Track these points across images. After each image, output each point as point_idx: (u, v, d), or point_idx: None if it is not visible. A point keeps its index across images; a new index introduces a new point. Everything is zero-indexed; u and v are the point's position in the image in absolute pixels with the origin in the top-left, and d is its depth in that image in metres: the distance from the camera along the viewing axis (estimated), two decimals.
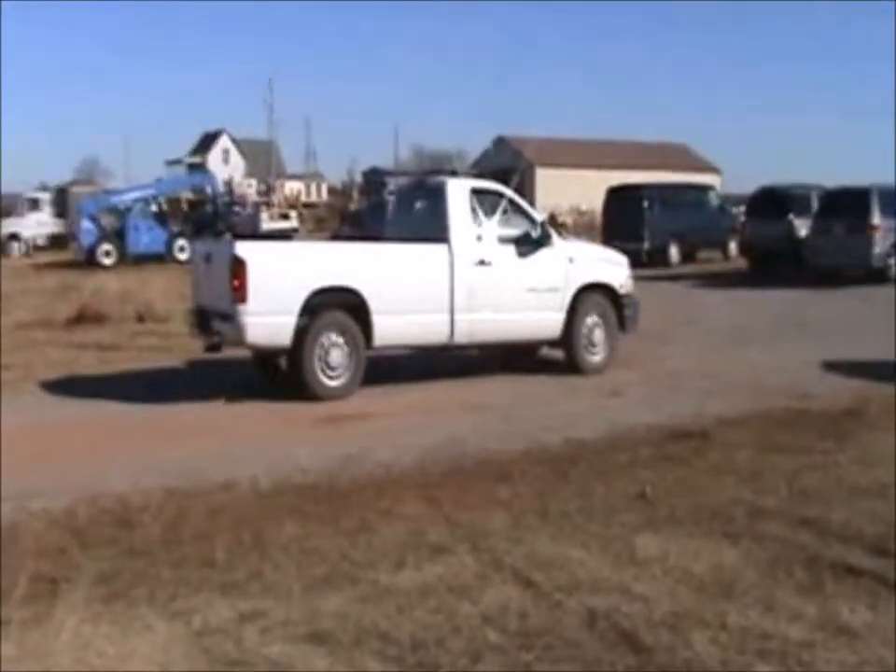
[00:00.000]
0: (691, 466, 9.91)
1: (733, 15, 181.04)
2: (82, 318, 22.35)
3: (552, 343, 16.47)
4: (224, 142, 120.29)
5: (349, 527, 8.12)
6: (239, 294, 13.85)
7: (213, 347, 14.84)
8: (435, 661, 5.75)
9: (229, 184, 58.67)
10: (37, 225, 56.71)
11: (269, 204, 69.13)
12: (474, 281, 15.28)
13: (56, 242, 54.94)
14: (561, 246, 16.33)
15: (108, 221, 45.39)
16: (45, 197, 60.27)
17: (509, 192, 16.58)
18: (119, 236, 44.37)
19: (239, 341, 14.27)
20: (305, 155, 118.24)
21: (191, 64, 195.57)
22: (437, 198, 15.81)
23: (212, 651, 5.96)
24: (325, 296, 14.34)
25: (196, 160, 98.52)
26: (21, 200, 59.91)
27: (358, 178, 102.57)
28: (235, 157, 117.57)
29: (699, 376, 15.38)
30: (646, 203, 38.15)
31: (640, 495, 8.91)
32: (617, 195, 40.32)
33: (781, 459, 10.04)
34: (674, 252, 38.01)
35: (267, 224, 55.79)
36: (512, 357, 16.86)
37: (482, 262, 15.38)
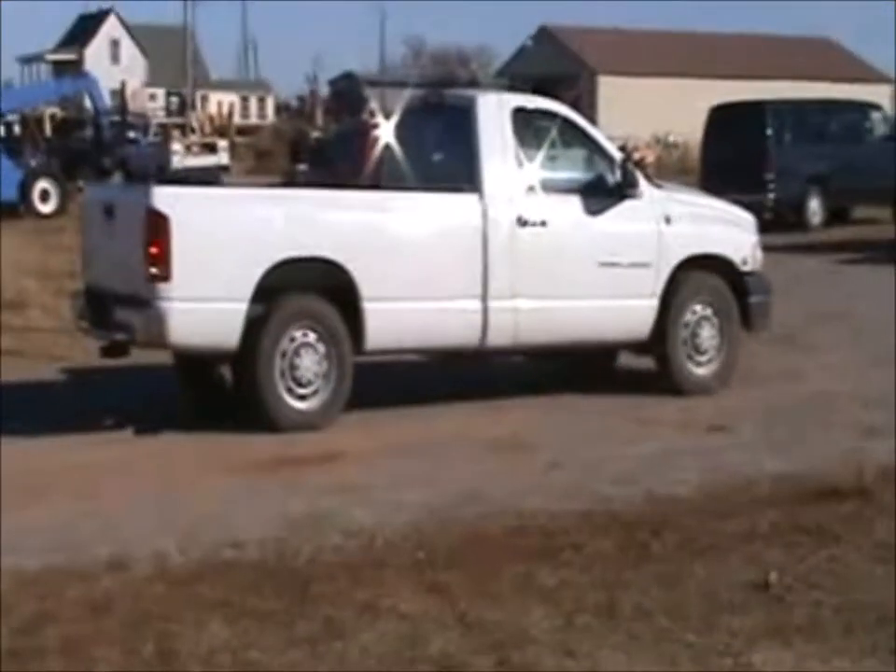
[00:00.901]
0: (841, 542, 9.87)
1: None
2: None
3: (636, 347, 16.28)
4: (112, 28, 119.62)
5: (307, 633, 8.10)
6: (159, 268, 13.58)
7: (114, 349, 14.67)
8: None
9: (120, 94, 58.72)
10: None
11: (184, 128, 69.22)
12: (519, 251, 15.07)
13: None
14: (652, 198, 16.02)
15: None
16: None
17: (572, 115, 16.34)
18: None
19: (158, 338, 13.95)
20: (240, 53, 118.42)
21: None
22: (460, 123, 15.52)
23: None
24: (290, 271, 14.13)
25: (68, 56, 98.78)
26: None
27: (324, 90, 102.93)
28: (130, 52, 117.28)
29: (852, 402, 15.31)
30: (770, 131, 37.96)
31: (763, 585, 8.89)
32: (726, 117, 40.18)
33: None
34: (815, 208, 37.81)
35: (181, 159, 55.83)
36: (576, 368, 16.79)
37: (530, 223, 15.10)
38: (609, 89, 75.20)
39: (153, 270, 13.52)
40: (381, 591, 8.79)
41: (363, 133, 41.06)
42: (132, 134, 54.75)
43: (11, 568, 9.28)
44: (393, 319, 14.40)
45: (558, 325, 15.28)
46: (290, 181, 41.56)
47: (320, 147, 53.79)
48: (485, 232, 14.77)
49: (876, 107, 45.44)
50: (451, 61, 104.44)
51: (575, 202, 15.39)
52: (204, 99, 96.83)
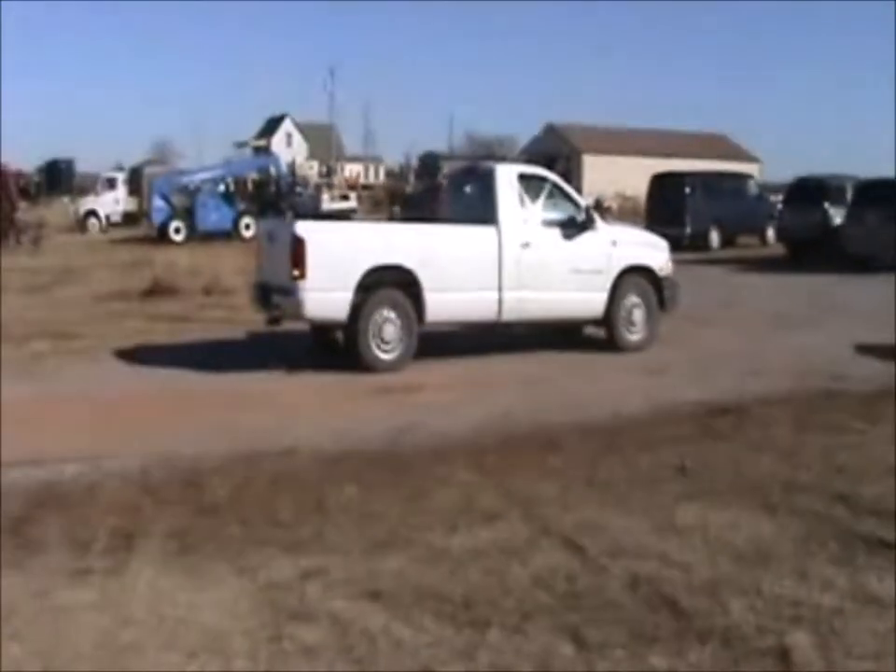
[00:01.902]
0: (730, 441, 9.88)
1: (771, 10, 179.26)
2: (154, 291, 22.43)
3: (595, 322, 16.41)
4: (287, 126, 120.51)
5: (406, 493, 8.18)
6: (299, 270, 13.94)
7: (274, 320, 15.01)
8: (487, 619, 5.79)
9: (292, 166, 58.60)
10: (113, 203, 57.20)
11: (330, 186, 69.11)
12: (521, 262, 15.26)
13: (130, 219, 55.37)
14: (604, 230, 16.32)
15: (179, 200, 45.63)
16: (120, 176, 60.70)
17: (554, 178, 16.57)
18: (188, 214, 44.62)
19: (298, 314, 14.36)
20: (364, 139, 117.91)
21: (257, 51, 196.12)
22: (487, 182, 15.75)
23: (277, 604, 6.03)
24: (379, 274, 14.36)
25: (261, 143, 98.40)
26: (99, 179, 60.45)
27: (415, 162, 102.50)
28: (298, 140, 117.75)
29: (739, 356, 15.27)
30: (688, 190, 37.87)
31: (681, 467, 8.92)
32: (661, 182, 40.10)
33: (817, 437, 9.96)
34: (714, 237, 37.63)
35: (328, 204, 55.77)
36: (558, 335, 16.83)
37: (528, 244, 15.34)
38: (590, 162, 74.93)
39: (295, 272, 13.92)
40: (452, 468, 8.86)
41: (438, 188, 41.14)
42: (298, 190, 54.65)
43: (228, 450, 9.45)
44: (443, 303, 14.68)
45: (546, 308, 15.57)
46: (392, 218, 41.58)
47: (411, 197, 53.79)
48: (501, 249, 15.12)
49: (751, 177, 45.91)
50: (491, 144, 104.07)
51: (556, 232, 15.74)
52: (342, 168, 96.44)
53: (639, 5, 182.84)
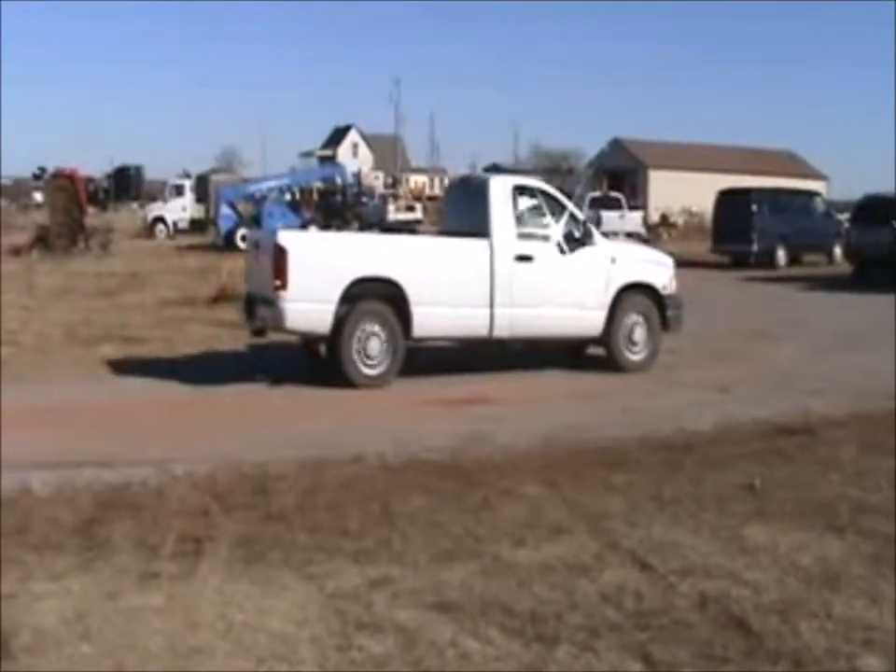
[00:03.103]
0: (797, 461, 9.75)
1: (841, 28, 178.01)
2: (220, 298, 22.54)
3: (594, 341, 15.94)
4: (353, 136, 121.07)
5: (472, 504, 8.15)
6: (280, 281, 13.72)
7: (258, 332, 14.80)
8: (554, 634, 5.75)
9: (357, 175, 58.70)
10: (181, 210, 57.77)
11: (396, 196, 69.29)
12: (514, 276, 14.87)
13: (197, 226, 55.82)
14: (604, 246, 15.88)
15: (245, 208, 45.92)
16: (188, 184, 61.22)
17: (552, 191, 16.20)
18: (255, 222, 44.78)
19: (279, 326, 14.12)
20: (429, 150, 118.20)
21: (324, 62, 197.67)
22: (481, 195, 15.30)
23: (344, 613, 6.03)
24: (364, 286, 14.09)
25: (327, 152, 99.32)
26: (167, 186, 61.04)
27: (480, 173, 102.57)
28: (364, 150, 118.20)
29: (805, 375, 15.06)
30: (755, 207, 37.55)
31: (750, 486, 8.82)
32: (727, 198, 39.79)
33: (884, 459, 9.82)
34: (781, 255, 37.31)
35: (393, 215, 55.99)
36: (560, 353, 16.41)
37: (522, 258, 14.95)
38: (656, 178, 74.46)
39: (277, 282, 13.70)
40: (515, 482, 8.82)
41: None
42: (364, 200, 54.77)
43: (294, 457, 9.46)
44: (431, 317, 14.34)
45: (541, 325, 15.16)
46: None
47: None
48: (493, 263, 14.73)
49: (818, 194, 45.43)
50: (557, 157, 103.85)
51: (552, 246, 15.27)
52: (407, 178, 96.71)
53: (708, 20, 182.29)
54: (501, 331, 14.87)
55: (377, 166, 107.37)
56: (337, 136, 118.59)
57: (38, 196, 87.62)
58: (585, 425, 11.41)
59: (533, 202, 15.50)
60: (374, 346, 14.07)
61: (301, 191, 50.87)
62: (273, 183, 48.52)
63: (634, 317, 15.76)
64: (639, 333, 15.78)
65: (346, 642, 5.62)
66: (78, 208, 42.46)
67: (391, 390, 13.86)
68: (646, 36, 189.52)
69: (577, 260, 15.42)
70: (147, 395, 13.47)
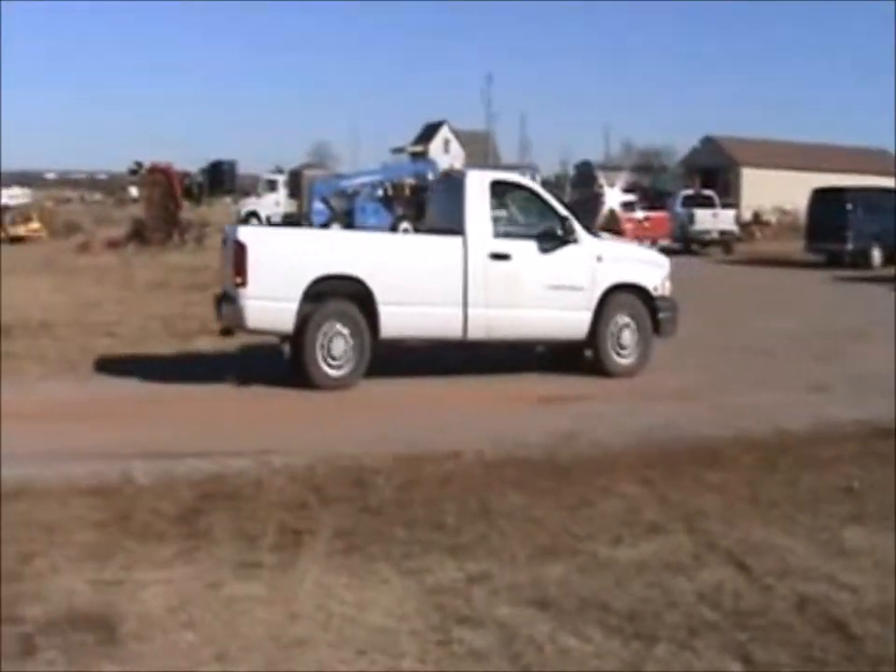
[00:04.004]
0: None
1: None
2: None
3: (581, 344, 15.11)
4: (445, 132, 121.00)
5: (569, 501, 8.15)
6: (240, 277, 13.40)
7: (226, 330, 14.44)
8: (653, 633, 5.74)
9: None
10: (274, 205, 58.32)
11: None
12: (490, 275, 14.30)
13: (290, 221, 56.15)
14: (589, 244, 14.99)
15: (338, 203, 46.17)
16: (281, 179, 61.71)
17: (534, 186, 15.75)
18: (347, 217, 45.08)
19: (240, 324, 13.79)
20: (520, 147, 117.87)
21: (415, 59, 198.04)
22: (458, 190, 14.74)
23: (444, 607, 6.06)
24: (328, 284, 13.69)
25: (419, 148, 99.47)
26: (260, 181, 61.60)
27: (571, 171, 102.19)
28: (455, 147, 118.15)
29: None
30: (849, 206, 37.04)
31: (848, 488, 8.72)
32: (821, 197, 39.23)
33: None
34: (876, 255, 36.75)
35: None
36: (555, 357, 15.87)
37: (499, 257, 14.34)
38: (749, 176, 73.63)
39: (237, 279, 13.38)
40: (611, 479, 8.81)
41: (594, 197, 40.93)
42: None
43: (390, 452, 9.51)
44: (400, 317, 13.86)
45: (520, 326, 14.54)
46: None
47: (567, 206, 53.52)
48: (466, 262, 14.15)
49: None
50: (648, 154, 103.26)
51: (532, 244, 14.62)
52: None
53: (799, 18, 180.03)
54: (477, 333, 14.36)
55: (468, 163, 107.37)
56: (429, 132, 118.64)
57: (134, 191, 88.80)
58: (678, 423, 11.34)
59: (501, 212, 15.03)
60: (339, 347, 13.66)
61: (394, 187, 51.01)
62: (365, 178, 48.76)
63: (622, 320, 15.01)
64: (628, 336, 15.03)
65: (446, 636, 5.66)
66: (174, 202, 43.02)
67: (484, 385, 13.88)
68: (738, 33, 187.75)
69: (559, 259, 14.80)
70: (245, 387, 13.63)
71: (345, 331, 13.68)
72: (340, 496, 8.22)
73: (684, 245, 42.81)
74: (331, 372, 13.63)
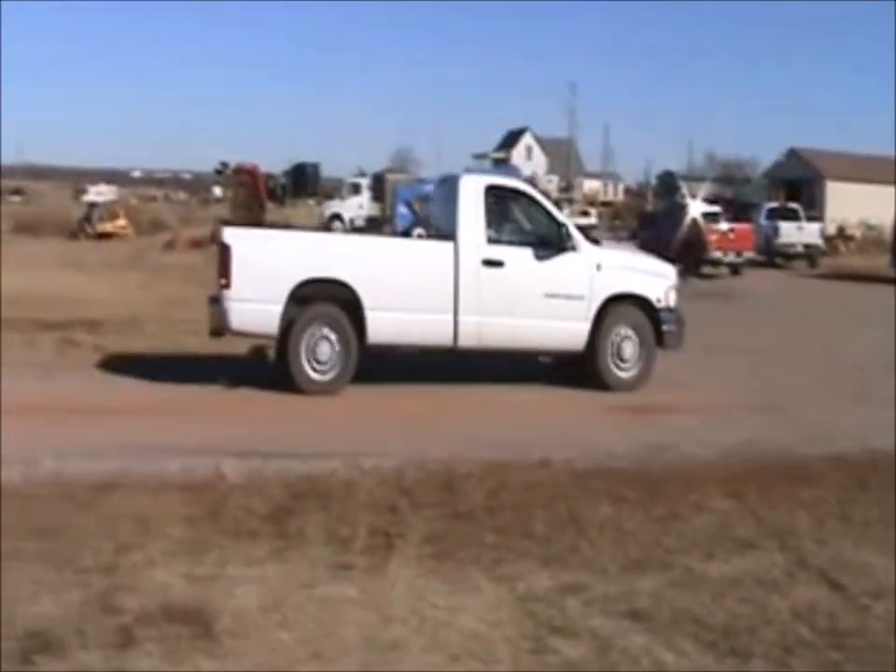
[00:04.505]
0: None
1: None
2: None
3: (578, 355, 14.64)
4: (527, 139, 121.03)
5: (659, 514, 8.10)
6: (225, 279, 13.34)
7: (215, 332, 14.17)
8: (747, 649, 5.69)
9: (532, 179, 58.74)
10: (357, 207, 58.63)
11: (570, 201, 69.10)
12: (483, 282, 13.97)
13: (373, 224, 56.38)
14: (589, 252, 14.57)
15: (421, 207, 46.27)
16: (365, 182, 62.01)
17: (532, 192, 15.35)
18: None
19: (224, 326, 13.65)
20: (603, 155, 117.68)
21: (498, 64, 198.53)
22: (452, 194, 14.46)
23: (537, 616, 6.05)
24: (314, 287, 13.54)
25: (501, 155, 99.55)
26: (344, 184, 61.94)
27: (653, 180, 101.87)
28: (537, 154, 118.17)
29: None
30: None
31: None
32: None
33: None
34: None
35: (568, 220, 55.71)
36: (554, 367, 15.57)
37: (492, 263, 14.01)
38: (834, 189, 72.88)
39: (222, 280, 13.33)
40: (702, 493, 8.70)
41: (678, 208, 40.60)
42: None
43: (479, 458, 9.47)
44: (388, 323, 13.63)
45: (513, 336, 14.16)
46: (633, 236, 41.13)
47: (650, 215, 53.14)
48: (457, 268, 13.85)
49: None
50: (731, 165, 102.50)
51: (528, 251, 14.26)
52: (580, 183, 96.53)
53: (889, 28, 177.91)
54: (468, 341, 14.03)
55: (551, 170, 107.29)
56: (511, 139, 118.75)
57: (217, 190, 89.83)
58: (766, 437, 11.23)
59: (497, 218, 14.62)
60: (325, 351, 13.52)
61: None
62: None
63: (623, 331, 14.58)
64: (629, 349, 14.57)
65: (540, 645, 5.65)
66: (258, 203, 43.36)
67: (572, 396, 13.82)
68: (827, 44, 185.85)
69: (555, 267, 14.41)
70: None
71: (331, 336, 13.57)
72: (429, 500, 8.22)
73: (768, 257, 42.42)
74: (316, 377, 13.54)
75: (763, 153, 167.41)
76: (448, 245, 14.02)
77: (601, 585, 6.52)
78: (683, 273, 34.04)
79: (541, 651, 5.58)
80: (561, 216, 14.97)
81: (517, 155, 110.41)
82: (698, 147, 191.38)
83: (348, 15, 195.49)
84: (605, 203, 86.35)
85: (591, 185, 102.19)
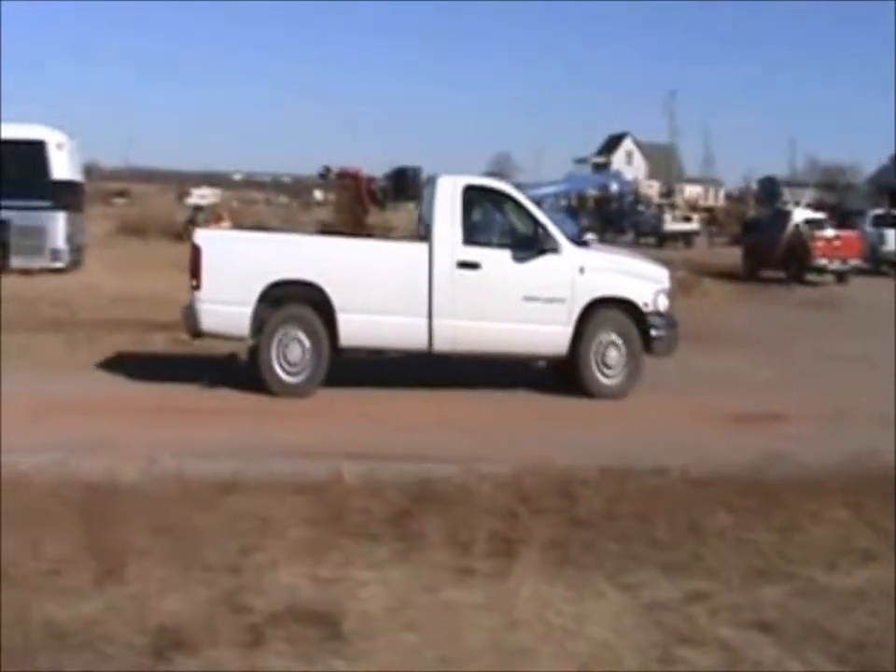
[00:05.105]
0: None
1: None
2: None
3: (560, 360, 14.48)
4: (628, 144, 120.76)
5: (779, 524, 7.98)
6: (196, 281, 13.46)
7: (195, 334, 14.19)
8: (879, 664, 5.61)
9: (633, 184, 58.48)
10: None
11: (672, 206, 68.65)
12: (459, 285, 13.82)
13: None
14: (571, 254, 14.25)
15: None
16: None
17: (514, 192, 14.96)
18: None
19: (195, 327, 13.79)
20: (703, 161, 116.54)
21: (598, 70, 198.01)
22: (431, 195, 14.43)
23: (664, 625, 6.01)
24: (285, 289, 13.60)
25: (601, 160, 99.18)
26: None
27: (754, 186, 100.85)
28: (638, 159, 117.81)
29: None
30: None
31: None
32: None
33: None
34: None
35: (670, 225, 55.46)
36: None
37: (468, 265, 13.85)
38: None
39: (193, 282, 13.46)
40: (820, 503, 8.51)
41: (782, 215, 40.12)
42: (640, 208, 54.53)
43: (595, 465, 9.39)
44: (360, 326, 13.60)
45: (491, 339, 13.94)
46: (735, 242, 40.63)
47: (754, 221, 52.67)
48: (432, 270, 13.71)
49: None
50: (833, 171, 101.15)
51: (506, 253, 14.04)
52: (681, 189, 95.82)
53: None
54: (443, 345, 13.90)
55: (651, 175, 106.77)
56: (611, 144, 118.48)
57: (318, 194, 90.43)
58: (880, 447, 10.96)
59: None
60: (296, 353, 13.56)
61: (578, 198, 50.98)
62: (550, 189, 48.60)
63: (608, 336, 14.25)
64: (614, 355, 14.24)
65: (668, 654, 5.62)
66: (361, 207, 43.56)
67: (679, 403, 13.71)
68: None
69: (535, 269, 14.14)
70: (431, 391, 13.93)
71: (302, 337, 13.61)
72: (548, 506, 8.19)
73: (874, 265, 41.73)
74: (287, 379, 13.60)
75: (867, 158, 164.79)
76: (422, 247, 13.96)
77: (725, 594, 6.47)
78: (787, 280, 33.92)
79: (670, 660, 5.56)
80: (543, 216, 14.64)
81: (617, 160, 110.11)
82: (800, 153, 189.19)
83: (452, 21, 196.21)
84: (706, 209, 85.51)
85: (692, 190, 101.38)
